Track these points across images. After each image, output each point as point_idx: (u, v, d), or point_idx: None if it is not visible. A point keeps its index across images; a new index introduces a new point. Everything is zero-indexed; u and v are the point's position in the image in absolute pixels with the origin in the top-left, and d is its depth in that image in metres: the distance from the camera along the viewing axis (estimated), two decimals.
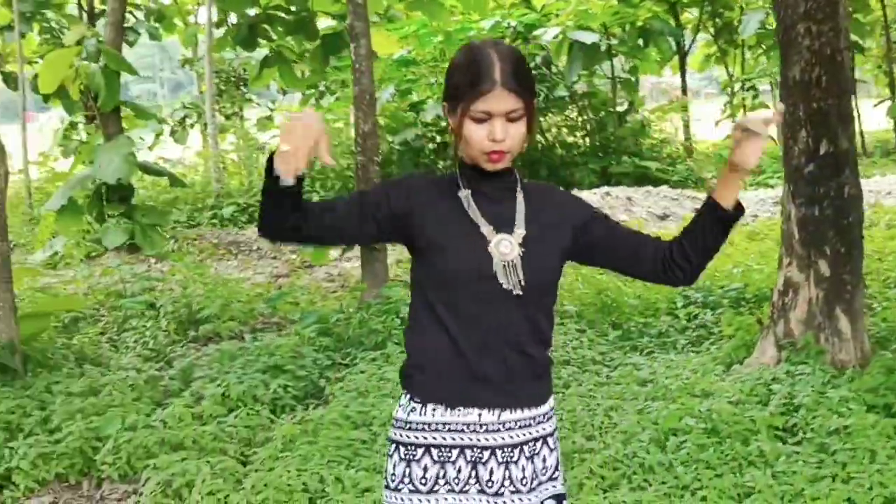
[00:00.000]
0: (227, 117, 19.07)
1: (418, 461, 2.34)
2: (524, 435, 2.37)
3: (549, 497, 2.40)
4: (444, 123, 16.54)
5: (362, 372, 6.11)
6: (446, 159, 16.07)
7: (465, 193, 2.33)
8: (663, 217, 12.16)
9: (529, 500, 2.36)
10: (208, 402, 5.73)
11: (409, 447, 2.35)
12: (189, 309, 7.89)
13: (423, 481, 2.33)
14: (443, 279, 2.31)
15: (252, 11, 12.33)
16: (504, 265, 2.28)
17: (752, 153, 2.28)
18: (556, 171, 15.89)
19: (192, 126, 17.98)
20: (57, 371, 6.37)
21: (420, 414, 2.34)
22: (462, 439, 2.33)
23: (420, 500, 2.33)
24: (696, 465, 4.41)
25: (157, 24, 18.60)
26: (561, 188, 2.60)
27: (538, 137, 16.68)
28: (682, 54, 21.36)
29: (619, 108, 18.05)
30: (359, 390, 5.77)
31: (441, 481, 2.33)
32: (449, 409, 2.32)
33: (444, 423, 2.32)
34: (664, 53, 18.63)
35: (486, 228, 2.31)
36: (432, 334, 2.33)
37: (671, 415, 4.85)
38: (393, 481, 2.36)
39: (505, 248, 2.30)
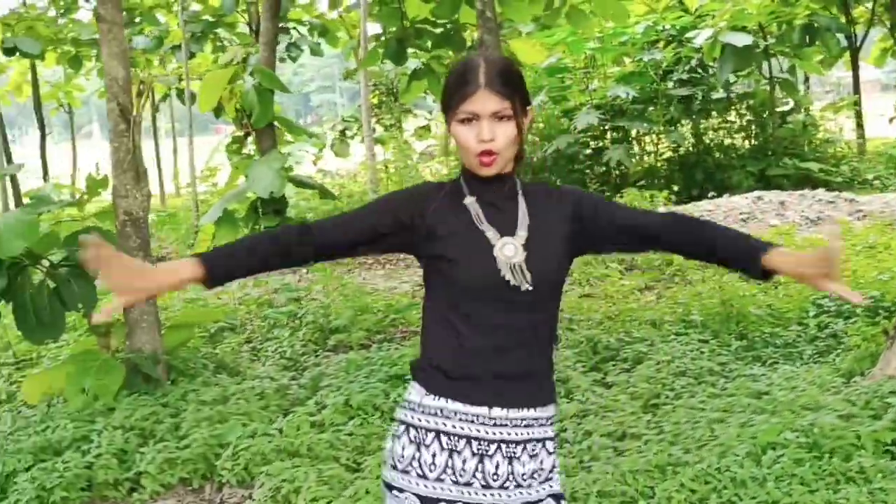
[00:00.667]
0: (387, 128, 19.54)
1: (428, 446, 2.42)
2: (528, 434, 2.45)
3: (549, 496, 2.48)
4: (603, 128, 16.51)
5: None
6: (601, 165, 16.02)
7: (470, 200, 2.43)
8: (816, 221, 11.81)
9: (530, 494, 2.45)
10: (329, 411, 5.95)
11: (419, 430, 2.43)
12: (327, 319, 8.17)
13: (432, 468, 2.41)
14: (453, 286, 2.41)
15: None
16: (510, 266, 2.37)
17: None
18: (712, 175, 15.63)
19: (351, 138, 18.52)
20: (196, 380, 6.72)
21: (434, 399, 2.43)
22: (471, 430, 2.41)
23: (427, 486, 2.41)
24: (791, 481, 4.35)
25: (318, 41, 19.17)
26: (561, 185, 2.65)
27: (693, 140, 16.44)
28: (854, 50, 20.67)
29: (784, 108, 17.57)
30: None
31: (448, 470, 2.41)
32: (461, 403, 2.41)
33: (455, 412, 2.41)
34: (832, 50, 18.06)
35: (490, 233, 2.40)
36: (444, 337, 2.43)
37: (771, 428, 4.79)
38: (401, 462, 2.44)
39: (509, 251, 2.38)
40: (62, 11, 22.71)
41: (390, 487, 2.46)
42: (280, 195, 11.27)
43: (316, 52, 18.85)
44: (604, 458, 4.83)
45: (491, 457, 2.42)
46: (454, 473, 2.41)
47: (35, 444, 5.56)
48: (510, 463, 2.44)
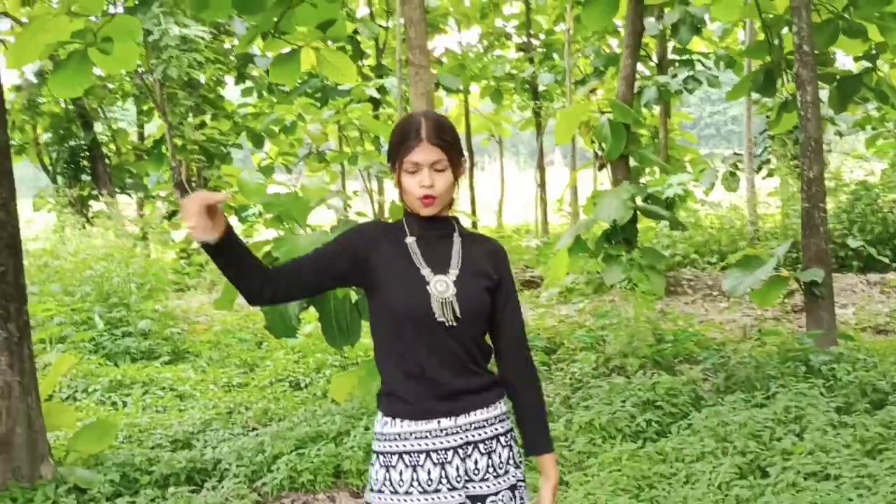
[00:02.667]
0: (780, 158, 19.11)
1: (394, 467, 2.81)
2: (479, 434, 2.81)
3: (506, 488, 2.82)
4: None
5: (716, 414, 6.27)
6: None
7: (410, 240, 2.83)
8: None
9: (484, 487, 2.80)
10: (567, 429, 6.35)
11: (386, 455, 2.83)
12: (625, 343, 8.47)
13: (400, 483, 2.80)
14: (392, 315, 2.80)
15: None
16: (441, 302, 2.75)
17: None
18: None
19: (741, 170, 18.29)
20: None
21: (392, 426, 2.82)
22: (427, 444, 2.79)
23: (398, 500, 2.80)
24: None
25: (716, 73, 19.21)
26: (496, 242, 2.98)
27: None
28: None
29: None
30: (693, 429, 6.02)
31: (415, 483, 2.79)
32: (414, 421, 2.80)
33: (411, 433, 2.79)
34: None
35: (425, 270, 2.79)
36: (390, 362, 2.83)
37: None
38: (376, 485, 2.85)
39: (441, 287, 2.77)
40: (486, 48, 24.47)
41: None
42: (624, 224, 11.67)
43: (713, 83, 18.85)
44: (768, 488, 4.84)
45: (450, 463, 2.79)
46: (420, 485, 2.79)
47: (305, 434, 6.44)
48: (464, 462, 2.80)
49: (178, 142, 18.58)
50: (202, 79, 19.69)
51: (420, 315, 2.75)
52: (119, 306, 10.59)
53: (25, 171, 25.78)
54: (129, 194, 21.09)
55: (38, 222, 14.30)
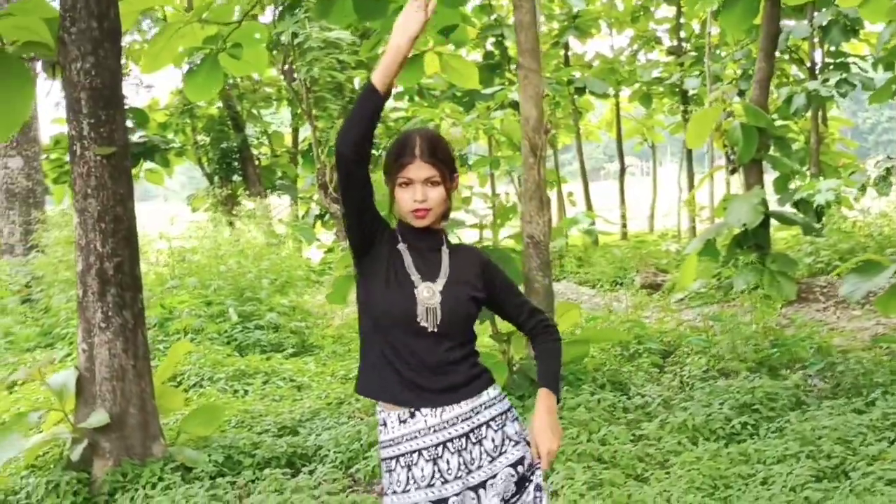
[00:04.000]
0: None
1: (393, 470, 3.00)
2: (466, 426, 2.96)
3: (508, 466, 2.96)
4: None
5: (810, 418, 6.22)
6: None
7: (403, 247, 3.01)
8: None
9: (482, 474, 2.95)
10: (660, 429, 6.38)
11: (386, 461, 3.03)
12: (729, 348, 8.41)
13: (399, 484, 2.98)
14: (380, 315, 2.97)
15: None
16: (426, 308, 2.93)
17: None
18: None
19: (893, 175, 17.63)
20: (575, 388, 7.43)
21: (385, 434, 3.01)
22: (418, 444, 2.96)
23: (398, 499, 2.98)
24: None
25: (872, 76, 18.62)
26: (481, 253, 3.18)
27: None
28: None
29: None
30: (782, 432, 5.97)
31: (411, 481, 2.97)
32: (401, 424, 2.96)
33: (402, 435, 2.97)
34: None
35: (414, 277, 2.97)
36: (374, 356, 3.00)
37: None
38: (387, 488, 3.04)
39: (427, 293, 2.95)
40: (634, 51, 24.36)
41: None
42: (753, 228, 11.51)
43: (868, 86, 18.25)
44: (840, 492, 4.80)
45: (441, 458, 2.96)
46: (415, 482, 2.96)
47: None
48: (460, 455, 2.96)
49: (331, 144, 19.13)
50: (357, 82, 20.22)
51: (405, 317, 2.93)
52: (252, 300, 11.06)
53: (195, 172, 26.93)
54: (278, 195, 21.83)
55: (182, 220, 14.95)
